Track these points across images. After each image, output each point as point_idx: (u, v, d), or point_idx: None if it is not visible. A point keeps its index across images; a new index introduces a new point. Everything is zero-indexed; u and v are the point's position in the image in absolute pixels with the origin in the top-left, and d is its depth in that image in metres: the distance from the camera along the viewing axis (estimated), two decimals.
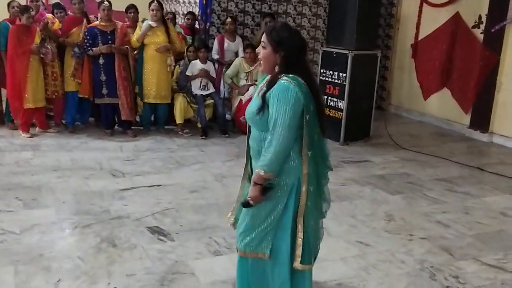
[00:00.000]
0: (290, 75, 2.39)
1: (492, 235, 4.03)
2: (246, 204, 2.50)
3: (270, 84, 2.43)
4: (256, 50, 2.57)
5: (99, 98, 6.40)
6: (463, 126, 7.62)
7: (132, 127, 6.70)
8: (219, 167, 5.44)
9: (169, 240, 3.67)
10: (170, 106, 6.85)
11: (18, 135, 6.22)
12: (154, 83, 6.52)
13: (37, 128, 6.47)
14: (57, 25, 6.36)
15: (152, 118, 6.97)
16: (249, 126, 2.63)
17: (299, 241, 2.56)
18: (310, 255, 2.63)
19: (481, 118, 7.31)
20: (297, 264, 2.58)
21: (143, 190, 4.68)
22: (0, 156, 5.42)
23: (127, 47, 6.34)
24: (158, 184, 4.83)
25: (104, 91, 6.34)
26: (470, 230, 4.10)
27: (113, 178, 4.97)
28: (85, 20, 6.39)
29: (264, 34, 2.47)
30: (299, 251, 2.56)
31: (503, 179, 5.52)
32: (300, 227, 2.54)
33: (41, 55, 6.01)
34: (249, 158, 2.71)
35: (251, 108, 2.51)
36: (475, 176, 5.58)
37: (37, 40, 5.99)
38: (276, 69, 2.46)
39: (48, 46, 6.06)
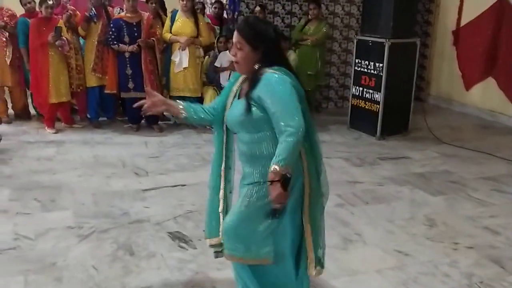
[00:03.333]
0: (274, 67, 2.20)
1: None
2: (274, 212, 2.20)
3: (253, 82, 2.19)
4: (231, 53, 2.29)
5: (125, 92, 6.19)
6: (509, 118, 7.11)
7: (159, 122, 6.49)
8: None
9: (190, 248, 3.42)
10: (200, 100, 6.61)
11: (43, 131, 6.09)
12: (182, 75, 6.27)
13: (62, 123, 6.34)
14: (79, 17, 6.16)
15: None
16: (228, 132, 2.45)
17: (309, 243, 2.37)
18: (323, 256, 2.42)
19: None
20: (312, 271, 2.39)
21: (166, 190, 4.44)
22: (22, 153, 5.29)
23: (153, 39, 6.10)
24: (182, 183, 4.59)
25: (131, 85, 6.12)
26: None
27: (136, 177, 4.75)
28: (104, 14, 6.17)
29: (236, 34, 2.23)
30: (312, 255, 2.38)
31: None
32: (308, 227, 2.35)
33: (59, 48, 5.82)
34: (228, 165, 2.50)
35: (236, 113, 2.28)
36: None
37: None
38: (257, 66, 2.23)
39: (64, 38, 5.84)
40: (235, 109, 2.30)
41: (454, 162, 5.43)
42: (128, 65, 6.08)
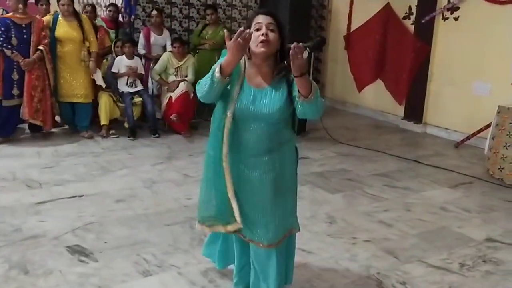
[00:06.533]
0: None
1: (435, 232, 3.92)
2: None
3: (285, 75, 2.36)
4: (262, 32, 2.29)
5: (7, 99, 5.70)
6: (398, 118, 7.62)
7: (52, 130, 6.15)
8: (148, 172, 5.04)
9: (91, 261, 3.26)
10: (94, 106, 6.35)
11: None
12: (70, 81, 6.02)
13: None
14: None
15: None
16: (241, 123, 2.40)
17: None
18: None
19: (415, 109, 7.33)
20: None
21: (62, 202, 4.20)
22: None
23: (41, 50, 5.72)
24: (80, 194, 4.37)
25: (15, 91, 5.70)
26: (413, 228, 3.97)
27: (28, 189, 4.45)
28: None
29: (268, 17, 2.33)
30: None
31: (439, 171, 5.48)
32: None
33: None
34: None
35: (272, 104, 2.35)
36: (412, 169, 5.51)
37: None
38: (278, 55, 2.38)
39: None
40: (268, 99, 2.35)
41: (350, 161, 5.71)
42: (15, 69, 5.68)
